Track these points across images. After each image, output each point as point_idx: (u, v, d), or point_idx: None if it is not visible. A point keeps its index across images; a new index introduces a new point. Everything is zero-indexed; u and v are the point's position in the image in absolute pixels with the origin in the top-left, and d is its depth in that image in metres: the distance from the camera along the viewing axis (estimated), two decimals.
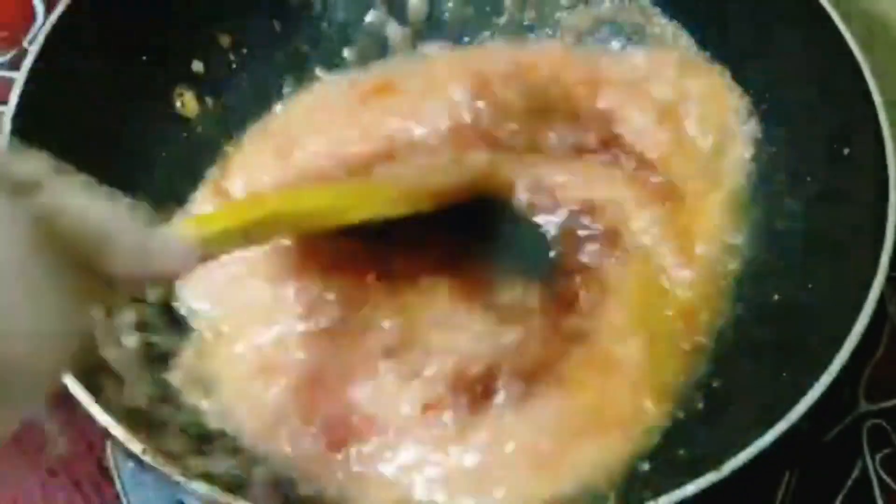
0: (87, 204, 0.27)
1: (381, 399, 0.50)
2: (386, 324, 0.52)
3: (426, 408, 0.49)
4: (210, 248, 0.38)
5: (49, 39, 0.52)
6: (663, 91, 0.61)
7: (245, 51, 0.63)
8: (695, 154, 0.59)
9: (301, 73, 0.64)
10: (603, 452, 0.48)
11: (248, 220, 0.42)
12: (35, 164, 0.27)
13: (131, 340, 0.50)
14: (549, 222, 0.57)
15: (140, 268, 0.28)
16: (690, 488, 0.40)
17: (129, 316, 0.51)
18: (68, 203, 0.26)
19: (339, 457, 0.49)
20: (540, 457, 0.48)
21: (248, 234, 0.43)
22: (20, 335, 0.22)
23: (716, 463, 0.41)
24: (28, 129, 0.49)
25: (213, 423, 0.50)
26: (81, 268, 0.24)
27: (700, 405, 0.51)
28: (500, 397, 0.49)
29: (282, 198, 0.51)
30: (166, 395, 0.50)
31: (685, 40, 0.62)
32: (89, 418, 0.41)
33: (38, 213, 0.24)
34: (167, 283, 0.30)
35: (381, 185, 0.54)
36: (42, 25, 0.53)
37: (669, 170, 0.58)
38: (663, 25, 0.63)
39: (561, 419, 0.49)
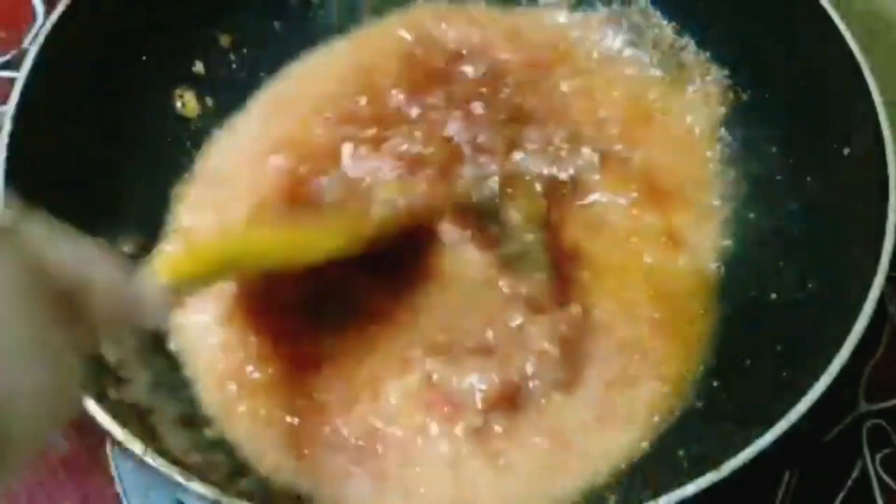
0: (66, 249, 0.26)
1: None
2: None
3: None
4: (182, 292, 0.39)
5: (49, 39, 0.52)
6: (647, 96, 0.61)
7: (245, 51, 0.63)
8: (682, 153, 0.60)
9: None
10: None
11: (213, 261, 0.44)
12: (9, 210, 0.26)
13: (131, 341, 0.50)
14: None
15: (120, 315, 0.28)
16: (690, 488, 0.40)
17: None
18: (49, 248, 0.25)
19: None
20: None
21: (214, 276, 0.45)
22: (15, 391, 0.21)
23: (716, 463, 0.41)
24: (28, 129, 0.49)
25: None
26: (63, 316, 0.24)
27: (700, 405, 0.51)
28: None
29: (245, 238, 0.52)
30: (167, 395, 0.50)
31: (685, 41, 0.62)
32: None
33: (21, 258, 0.23)
34: (143, 330, 0.30)
35: (339, 223, 0.54)
36: (42, 25, 0.53)
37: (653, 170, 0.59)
38: (663, 27, 0.63)
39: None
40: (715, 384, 0.51)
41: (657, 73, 0.63)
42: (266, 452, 0.49)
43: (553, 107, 0.61)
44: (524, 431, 0.50)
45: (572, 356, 0.51)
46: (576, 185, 0.58)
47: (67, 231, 0.26)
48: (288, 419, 0.50)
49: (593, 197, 0.58)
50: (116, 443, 0.41)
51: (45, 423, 0.22)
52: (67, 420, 0.23)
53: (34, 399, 0.21)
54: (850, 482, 0.56)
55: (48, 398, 0.22)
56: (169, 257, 0.45)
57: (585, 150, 0.59)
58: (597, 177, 0.58)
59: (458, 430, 0.49)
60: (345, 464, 0.49)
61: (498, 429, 0.50)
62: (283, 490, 0.48)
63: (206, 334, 0.53)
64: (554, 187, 0.58)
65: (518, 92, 0.61)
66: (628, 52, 0.64)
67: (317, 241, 0.51)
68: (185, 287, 0.40)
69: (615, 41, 0.64)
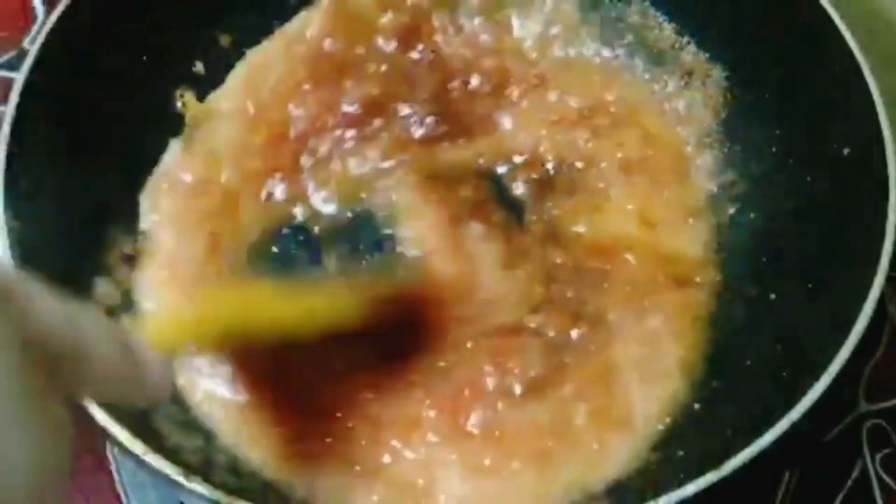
0: (59, 311, 0.25)
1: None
2: None
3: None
4: (176, 354, 0.39)
5: (49, 39, 0.52)
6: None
7: (245, 51, 0.63)
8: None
9: None
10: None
11: (203, 326, 0.43)
12: (2, 271, 0.25)
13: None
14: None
15: (118, 383, 0.27)
16: (690, 488, 0.40)
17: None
18: (41, 311, 0.24)
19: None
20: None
21: (205, 340, 0.44)
22: (6, 461, 0.21)
23: (716, 463, 0.41)
24: (28, 129, 0.49)
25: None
26: (54, 380, 0.23)
27: (699, 405, 0.51)
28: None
29: (238, 303, 0.48)
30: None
31: (685, 41, 0.62)
32: (89, 418, 0.41)
33: (14, 325, 0.22)
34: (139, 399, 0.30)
35: (336, 295, 0.51)
36: (42, 25, 0.53)
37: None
38: (663, 27, 0.63)
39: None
40: (715, 384, 0.51)
41: (653, 74, 0.63)
42: (267, 452, 0.49)
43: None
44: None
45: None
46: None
47: (54, 292, 0.25)
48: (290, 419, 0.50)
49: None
50: (116, 443, 0.41)
51: (35, 489, 0.22)
52: (58, 483, 0.23)
53: (25, 466, 0.21)
54: (850, 482, 0.56)
55: (40, 464, 0.22)
56: (159, 325, 0.43)
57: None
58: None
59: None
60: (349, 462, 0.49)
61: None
62: (283, 490, 0.48)
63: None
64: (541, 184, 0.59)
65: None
66: (622, 56, 0.64)
67: (318, 310, 0.48)
68: (181, 352, 0.40)
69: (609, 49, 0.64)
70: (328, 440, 0.49)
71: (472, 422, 0.50)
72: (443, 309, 0.53)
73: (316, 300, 0.49)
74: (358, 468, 0.49)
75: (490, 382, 0.51)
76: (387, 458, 0.49)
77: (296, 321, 0.47)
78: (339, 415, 0.50)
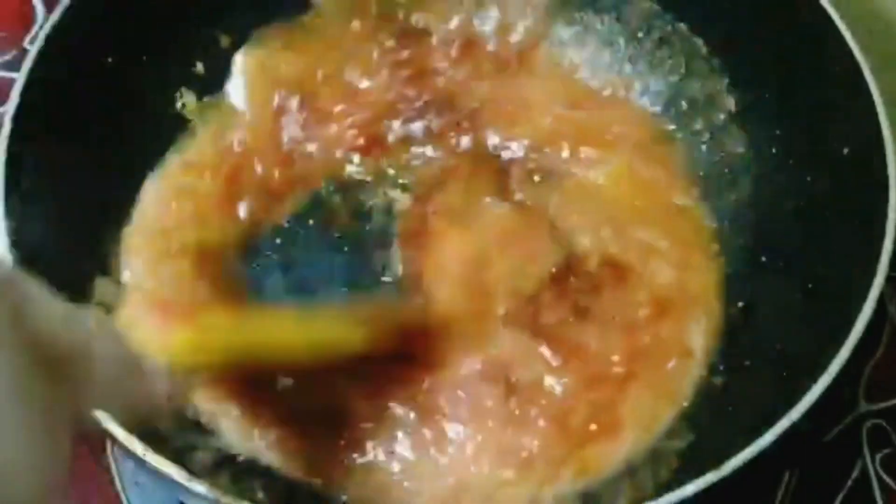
0: (58, 310, 0.24)
1: None
2: None
3: None
4: (183, 369, 0.38)
5: (49, 39, 0.52)
6: None
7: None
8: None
9: None
10: None
11: (218, 347, 0.44)
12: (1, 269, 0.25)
13: None
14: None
15: (118, 385, 0.26)
16: (690, 488, 0.40)
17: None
18: (39, 310, 0.24)
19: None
20: None
21: (207, 362, 0.44)
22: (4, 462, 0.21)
23: (716, 463, 0.41)
24: (28, 129, 0.49)
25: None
26: (54, 382, 0.23)
27: (699, 405, 0.51)
28: None
29: (255, 325, 0.48)
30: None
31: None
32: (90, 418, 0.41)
33: (14, 324, 0.22)
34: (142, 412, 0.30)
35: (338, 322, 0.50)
36: (42, 25, 0.53)
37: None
38: (662, 27, 0.63)
39: None
40: (714, 384, 0.51)
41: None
42: (268, 451, 0.49)
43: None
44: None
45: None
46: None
47: (53, 293, 0.25)
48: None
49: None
50: (116, 443, 0.41)
51: (30, 494, 0.22)
52: (54, 487, 0.23)
53: (23, 470, 0.21)
54: (850, 482, 0.56)
55: (36, 469, 0.22)
56: (169, 336, 0.42)
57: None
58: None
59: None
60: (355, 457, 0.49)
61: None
62: (284, 489, 0.48)
63: None
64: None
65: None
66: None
67: (334, 333, 0.48)
68: (191, 367, 0.39)
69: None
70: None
71: None
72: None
73: (321, 326, 0.48)
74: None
75: None
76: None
77: (300, 347, 0.47)
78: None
